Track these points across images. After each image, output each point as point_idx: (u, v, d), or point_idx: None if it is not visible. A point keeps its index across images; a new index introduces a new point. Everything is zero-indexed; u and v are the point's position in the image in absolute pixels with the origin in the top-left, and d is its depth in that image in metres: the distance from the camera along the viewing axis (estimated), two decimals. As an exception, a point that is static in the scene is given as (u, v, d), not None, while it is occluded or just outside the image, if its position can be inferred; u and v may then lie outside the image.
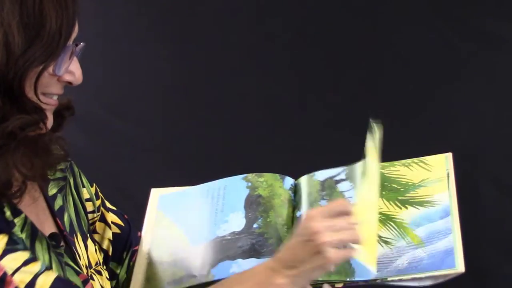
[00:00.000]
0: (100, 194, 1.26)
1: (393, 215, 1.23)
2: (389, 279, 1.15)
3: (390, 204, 1.24)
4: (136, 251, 1.28)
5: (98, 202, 1.24)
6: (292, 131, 2.12)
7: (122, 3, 2.41)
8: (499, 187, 1.99)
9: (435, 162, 1.27)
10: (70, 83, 1.01)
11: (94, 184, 1.25)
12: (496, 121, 2.01)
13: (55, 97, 1.02)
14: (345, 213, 1.01)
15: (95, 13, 2.39)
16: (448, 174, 1.24)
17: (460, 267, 1.12)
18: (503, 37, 2.05)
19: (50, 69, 0.97)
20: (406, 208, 1.23)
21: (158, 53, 2.35)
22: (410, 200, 1.23)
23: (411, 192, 1.24)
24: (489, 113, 2.03)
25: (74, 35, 0.99)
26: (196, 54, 2.32)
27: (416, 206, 1.22)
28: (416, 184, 1.25)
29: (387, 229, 1.21)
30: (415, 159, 1.29)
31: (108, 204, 1.28)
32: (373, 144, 1.17)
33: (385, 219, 1.23)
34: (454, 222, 1.18)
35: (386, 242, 1.19)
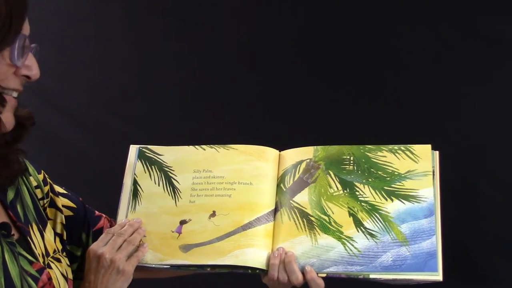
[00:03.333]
0: (48, 180, 1.24)
1: (378, 206, 1.25)
2: (371, 276, 1.20)
3: (376, 193, 1.26)
4: (98, 231, 1.28)
5: (46, 188, 1.22)
6: (293, 128, 2.11)
7: (122, 3, 2.29)
8: (499, 187, 2.03)
9: (422, 153, 1.28)
10: (28, 77, 1.03)
11: (42, 171, 1.23)
12: (496, 121, 2.03)
13: (15, 94, 1.03)
14: (119, 234, 1.22)
15: (95, 13, 2.27)
16: (434, 171, 1.26)
17: (440, 273, 1.18)
18: (504, 37, 2.02)
19: (7, 57, 0.98)
20: (392, 200, 1.25)
21: (158, 53, 2.27)
22: (396, 192, 1.25)
23: (397, 183, 1.26)
24: (489, 113, 2.03)
25: (27, 30, 1.00)
26: (197, 54, 2.24)
27: (402, 200, 1.24)
28: (402, 175, 1.26)
29: (373, 221, 1.24)
30: (402, 146, 1.30)
31: (57, 189, 1.26)
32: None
33: (371, 209, 1.25)
34: (437, 223, 1.22)
35: (372, 235, 1.22)
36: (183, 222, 1.28)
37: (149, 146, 1.38)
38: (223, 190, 1.29)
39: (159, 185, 1.33)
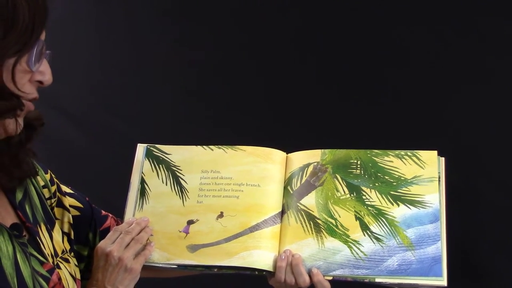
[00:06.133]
0: (55, 180, 1.24)
1: (385, 210, 1.26)
2: (377, 280, 1.21)
3: (383, 198, 1.27)
4: (104, 231, 1.29)
5: (53, 188, 1.23)
6: (300, 130, 2.13)
7: (122, 3, 2.29)
8: (499, 187, 2.04)
9: (428, 159, 1.29)
10: (41, 83, 1.03)
11: (49, 171, 1.23)
12: (496, 121, 2.04)
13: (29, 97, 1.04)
14: (127, 232, 1.23)
15: (95, 13, 2.28)
16: (439, 177, 1.28)
17: (445, 278, 1.20)
18: (504, 37, 2.04)
19: (24, 63, 0.99)
20: (398, 205, 1.26)
21: (158, 53, 2.27)
22: (402, 197, 1.27)
23: (404, 189, 1.28)
24: (489, 113, 2.04)
25: (43, 35, 1.01)
26: (197, 54, 2.25)
27: (408, 205, 1.26)
28: (409, 180, 1.28)
29: (379, 225, 1.25)
30: (408, 152, 1.31)
31: (64, 189, 1.27)
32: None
33: (377, 213, 1.26)
34: (442, 228, 1.24)
35: (378, 239, 1.24)
36: (190, 222, 1.29)
37: (157, 145, 1.38)
38: (231, 191, 1.30)
39: (166, 184, 1.34)
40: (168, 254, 1.27)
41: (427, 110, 2.09)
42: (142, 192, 1.33)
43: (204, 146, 1.37)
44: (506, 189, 2.03)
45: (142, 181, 1.34)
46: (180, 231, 1.29)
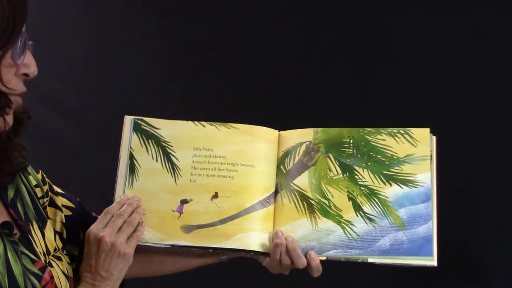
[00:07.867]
0: (47, 179, 1.22)
1: (377, 190, 1.27)
2: (369, 260, 1.24)
3: (375, 177, 1.28)
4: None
5: (45, 188, 1.21)
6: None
7: (122, 4, 2.22)
8: (499, 187, 2.05)
9: (420, 136, 1.29)
10: (26, 75, 1.02)
11: (40, 171, 1.22)
12: (496, 120, 2.04)
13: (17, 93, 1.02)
14: (119, 214, 1.20)
15: (95, 13, 2.21)
16: (431, 155, 1.29)
17: (435, 258, 1.22)
18: (504, 37, 2.02)
19: (9, 58, 0.97)
20: (390, 185, 1.27)
21: (157, 52, 2.23)
22: (394, 177, 1.28)
23: (396, 168, 1.28)
24: (489, 113, 2.04)
25: (24, 27, 1.00)
26: (196, 54, 2.20)
27: (400, 184, 1.27)
28: (401, 159, 1.28)
29: (371, 205, 1.26)
30: (401, 129, 1.30)
31: (56, 189, 1.25)
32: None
33: (370, 193, 1.27)
34: (433, 208, 1.25)
35: (370, 219, 1.25)
36: (184, 202, 1.28)
37: (145, 118, 1.34)
38: (225, 171, 1.29)
39: (157, 161, 1.31)
40: (162, 234, 1.26)
41: (426, 110, 2.10)
42: (132, 169, 1.30)
43: (196, 122, 1.34)
44: (506, 188, 2.06)
45: (131, 157, 1.31)
46: (173, 211, 1.28)
